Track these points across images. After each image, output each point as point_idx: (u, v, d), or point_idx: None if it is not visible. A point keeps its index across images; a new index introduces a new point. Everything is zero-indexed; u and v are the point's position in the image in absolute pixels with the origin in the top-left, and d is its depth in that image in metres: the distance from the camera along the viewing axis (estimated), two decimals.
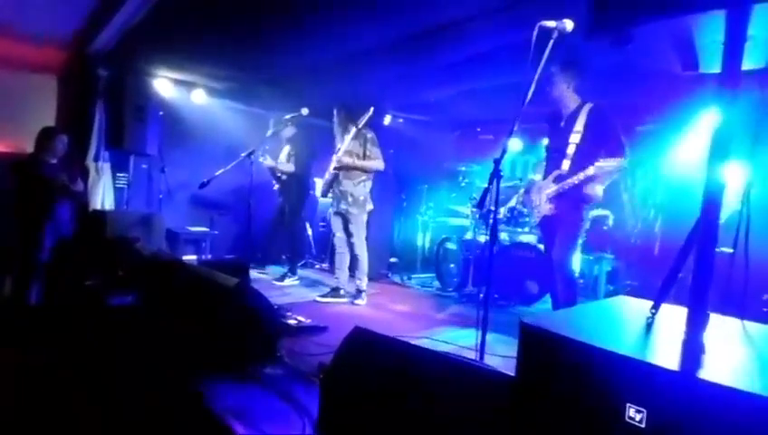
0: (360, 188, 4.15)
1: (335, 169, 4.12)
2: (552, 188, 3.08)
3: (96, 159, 4.93)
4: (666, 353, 1.01)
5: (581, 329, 1.15)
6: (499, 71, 4.25)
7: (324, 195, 4.33)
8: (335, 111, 4.24)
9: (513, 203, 4.77)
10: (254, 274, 5.17)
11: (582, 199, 3.03)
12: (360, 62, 4.47)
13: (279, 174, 5.06)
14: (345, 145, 4.03)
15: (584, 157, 2.96)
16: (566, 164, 3.03)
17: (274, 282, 4.85)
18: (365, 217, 4.21)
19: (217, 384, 2.21)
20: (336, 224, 4.27)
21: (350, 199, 4.12)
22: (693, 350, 0.99)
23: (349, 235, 4.20)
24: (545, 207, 3.13)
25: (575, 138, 3.00)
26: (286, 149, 5.14)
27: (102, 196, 5.01)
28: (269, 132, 4.57)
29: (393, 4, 3.45)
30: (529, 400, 1.13)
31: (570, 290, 3.09)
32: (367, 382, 1.58)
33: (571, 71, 3.01)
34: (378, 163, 4.16)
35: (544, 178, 3.22)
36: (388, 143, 6.38)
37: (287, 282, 4.96)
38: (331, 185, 4.19)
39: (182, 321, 2.58)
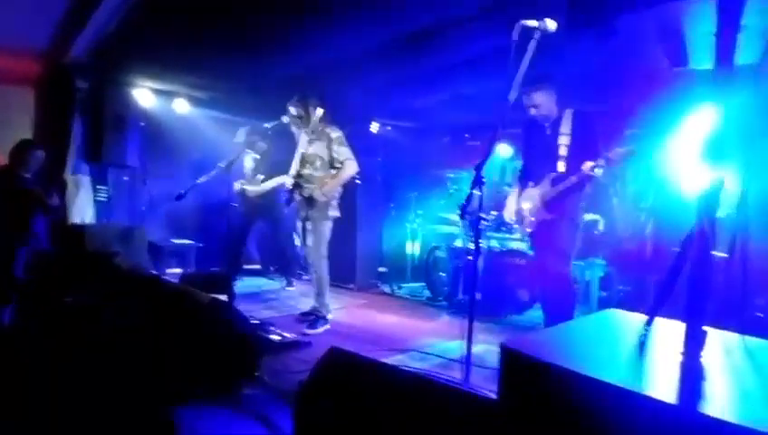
0: (325, 193, 3.61)
1: (295, 176, 3.63)
2: (554, 190, 2.99)
3: (74, 172, 4.80)
4: (662, 381, 0.90)
5: (568, 352, 1.05)
6: (487, 76, 4.18)
7: (288, 203, 3.81)
8: (296, 103, 3.67)
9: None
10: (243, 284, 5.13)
11: (580, 199, 3.00)
12: (345, 69, 4.39)
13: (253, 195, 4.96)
14: (299, 153, 3.61)
15: (575, 159, 2.94)
16: (561, 166, 2.98)
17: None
18: (328, 225, 3.66)
19: (191, 408, 2.08)
20: (303, 235, 3.79)
21: (312, 204, 3.61)
22: (692, 376, 0.89)
23: (307, 244, 3.71)
24: (542, 214, 3.05)
25: (564, 140, 2.98)
26: (249, 160, 5.01)
27: (82, 210, 4.88)
28: (239, 140, 4.41)
29: (378, 10, 3.38)
30: (511, 428, 1.02)
31: (570, 299, 2.99)
32: (343, 407, 1.46)
33: (555, 86, 3.00)
34: (349, 167, 3.64)
35: (534, 185, 3.15)
36: (375, 150, 6.32)
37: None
38: (293, 193, 3.68)
39: (157, 339, 2.46)
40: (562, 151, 2.98)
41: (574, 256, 3.09)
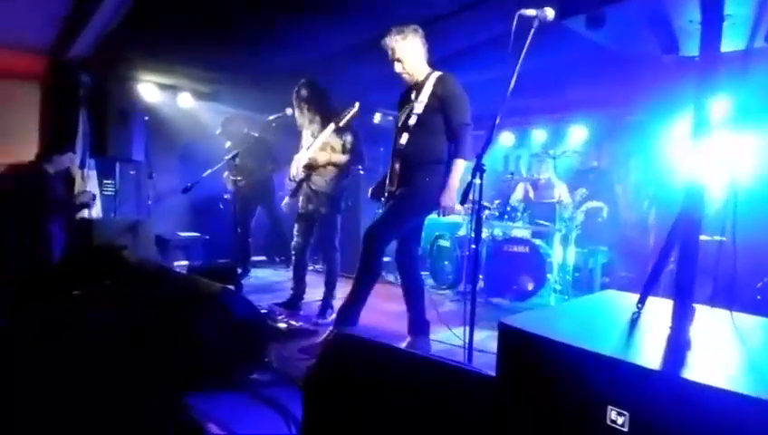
0: (333, 185, 3.61)
1: (305, 167, 3.57)
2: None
3: (81, 166, 4.87)
4: (650, 352, 0.95)
5: (563, 328, 1.10)
6: (487, 65, 4.20)
7: (293, 195, 3.75)
8: (304, 90, 3.65)
9: (514, 199, 4.77)
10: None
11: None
12: (344, 60, 4.41)
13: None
14: (319, 141, 3.50)
15: (425, 128, 2.65)
16: (404, 138, 2.65)
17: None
18: (338, 218, 3.69)
19: (202, 393, 2.15)
20: (300, 228, 3.73)
21: (321, 198, 3.59)
22: (677, 347, 0.94)
23: (317, 238, 3.73)
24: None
25: (419, 107, 2.62)
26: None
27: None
28: (219, 131, 4.42)
29: (378, 3, 3.40)
30: (510, 402, 1.08)
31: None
32: (349, 388, 1.53)
33: (422, 33, 2.66)
34: (345, 156, 3.62)
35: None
36: (378, 141, 6.35)
37: None
38: (300, 184, 3.67)
39: (166, 329, 2.52)
40: (411, 121, 2.63)
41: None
